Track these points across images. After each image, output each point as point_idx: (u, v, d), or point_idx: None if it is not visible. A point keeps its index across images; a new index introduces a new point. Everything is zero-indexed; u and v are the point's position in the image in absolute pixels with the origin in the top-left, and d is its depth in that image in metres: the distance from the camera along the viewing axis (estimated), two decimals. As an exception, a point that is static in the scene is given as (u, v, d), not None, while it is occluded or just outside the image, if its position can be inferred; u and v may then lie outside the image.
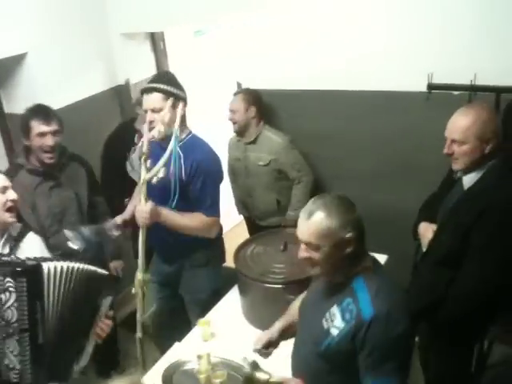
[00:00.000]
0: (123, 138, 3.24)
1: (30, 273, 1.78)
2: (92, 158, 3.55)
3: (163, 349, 2.62)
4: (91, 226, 2.60)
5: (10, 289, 1.76)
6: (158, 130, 2.38)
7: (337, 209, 1.62)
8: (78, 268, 1.87)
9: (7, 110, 3.39)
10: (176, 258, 2.68)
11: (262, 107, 3.24)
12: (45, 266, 1.80)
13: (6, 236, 2.05)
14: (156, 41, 3.95)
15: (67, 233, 2.51)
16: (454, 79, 2.66)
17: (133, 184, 2.81)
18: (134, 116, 3.34)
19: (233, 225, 4.21)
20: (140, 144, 2.42)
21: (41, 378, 1.82)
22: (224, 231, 2.85)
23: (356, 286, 1.66)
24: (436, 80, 2.73)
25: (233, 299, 2.63)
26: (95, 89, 3.59)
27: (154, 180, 2.38)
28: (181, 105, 2.44)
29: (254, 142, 3.19)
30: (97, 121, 3.60)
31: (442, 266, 2.14)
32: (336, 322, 1.67)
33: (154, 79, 2.54)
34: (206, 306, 2.68)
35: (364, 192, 3.02)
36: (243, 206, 3.45)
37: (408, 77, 2.82)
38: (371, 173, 3.13)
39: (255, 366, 1.79)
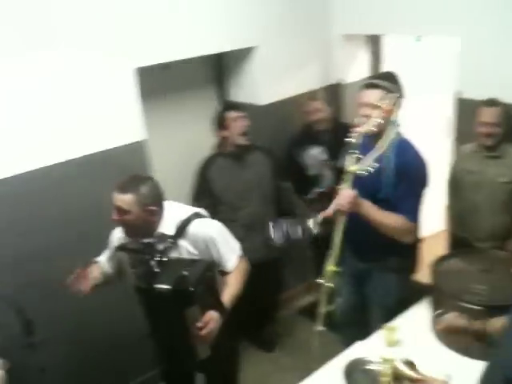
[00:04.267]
0: (303, 137, 3.53)
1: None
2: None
3: (343, 343, 2.66)
4: (294, 221, 2.67)
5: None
6: (373, 125, 2.36)
7: None
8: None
9: (232, 97, 3.70)
10: (369, 257, 2.67)
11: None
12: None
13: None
14: (373, 44, 3.98)
15: (270, 226, 2.58)
16: None
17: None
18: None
19: (426, 235, 4.02)
20: (351, 136, 2.44)
21: None
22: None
23: None
24: None
25: (422, 311, 2.55)
26: (309, 86, 3.73)
27: (363, 172, 2.37)
28: (399, 103, 2.43)
29: (498, 156, 2.93)
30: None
31: None
32: None
33: (377, 76, 2.61)
34: (389, 312, 2.63)
35: None
36: (462, 223, 3.14)
37: None
38: None
39: (409, 364, 1.98)
